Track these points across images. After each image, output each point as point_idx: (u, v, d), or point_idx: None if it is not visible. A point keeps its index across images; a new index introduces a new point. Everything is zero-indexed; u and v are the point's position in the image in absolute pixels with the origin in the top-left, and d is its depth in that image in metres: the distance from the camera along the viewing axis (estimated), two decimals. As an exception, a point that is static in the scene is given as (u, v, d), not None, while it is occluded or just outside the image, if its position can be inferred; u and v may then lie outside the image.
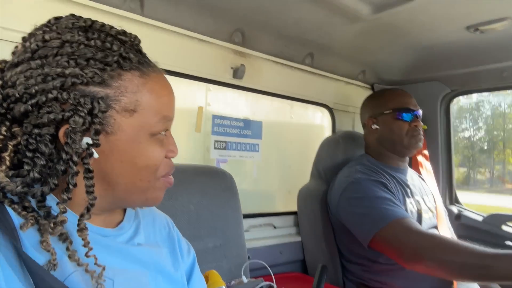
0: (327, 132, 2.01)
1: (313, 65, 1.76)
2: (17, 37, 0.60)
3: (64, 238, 0.54)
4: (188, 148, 1.52)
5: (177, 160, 1.41)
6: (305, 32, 1.50)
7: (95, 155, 0.55)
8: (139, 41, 0.62)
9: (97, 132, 0.55)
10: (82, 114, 0.53)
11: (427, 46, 1.62)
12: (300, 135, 1.97)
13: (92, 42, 0.55)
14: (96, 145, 0.55)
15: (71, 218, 0.56)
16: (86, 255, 0.54)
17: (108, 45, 0.56)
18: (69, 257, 0.53)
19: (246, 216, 1.56)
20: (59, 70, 0.53)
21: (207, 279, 0.99)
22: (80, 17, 0.58)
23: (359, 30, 1.46)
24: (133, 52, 0.59)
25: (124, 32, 0.60)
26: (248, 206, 1.62)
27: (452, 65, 1.79)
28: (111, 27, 0.59)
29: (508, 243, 1.68)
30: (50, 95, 0.52)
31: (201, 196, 1.24)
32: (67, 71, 0.53)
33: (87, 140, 0.54)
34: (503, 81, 1.74)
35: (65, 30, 0.55)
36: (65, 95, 0.52)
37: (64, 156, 0.53)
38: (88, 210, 0.56)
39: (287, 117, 1.91)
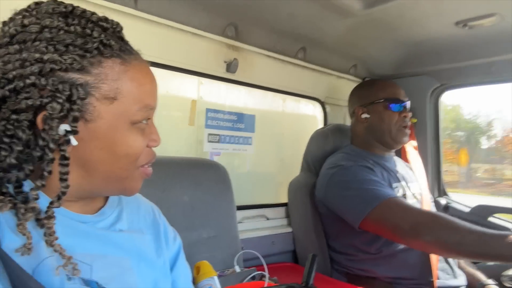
0: (319, 126, 2.03)
1: (305, 59, 1.78)
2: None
3: (42, 223, 0.54)
4: (182, 141, 1.53)
5: (171, 153, 1.43)
6: (297, 27, 1.51)
7: (74, 142, 0.55)
8: (121, 28, 0.61)
9: (75, 119, 0.54)
10: (60, 100, 0.52)
11: (417, 41, 1.65)
12: (292, 129, 1.99)
13: (72, 28, 0.54)
14: (74, 132, 0.54)
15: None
16: (51, 244, 0.53)
17: (88, 31, 0.55)
18: (46, 242, 0.53)
19: (240, 207, 1.58)
20: (37, 55, 0.52)
21: (198, 269, 1.02)
22: (62, 2, 0.57)
23: (351, 25, 1.48)
24: (114, 39, 0.58)
25: (105, 19, 0.59)
26: (242, 198, 1.65)
27: (441, 60, 1.82)
28: (93, 13, 0.58)
29: None
30: (28, 81, 0.51)
31: (195, 188, 1.26)
32: (45, 57, 0.52)
33: (65, 127, 0.54)
34: (491, 76, 1.77)
35: (45, 15, 0.54)
36: (43, 81, 0.52)
37: (40, 142, 0.53)
38: (59, 198, 0.55)
39: (279, 111, 1.92)
